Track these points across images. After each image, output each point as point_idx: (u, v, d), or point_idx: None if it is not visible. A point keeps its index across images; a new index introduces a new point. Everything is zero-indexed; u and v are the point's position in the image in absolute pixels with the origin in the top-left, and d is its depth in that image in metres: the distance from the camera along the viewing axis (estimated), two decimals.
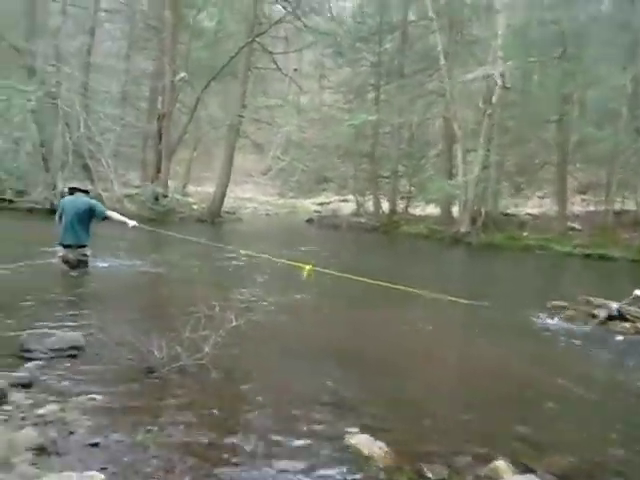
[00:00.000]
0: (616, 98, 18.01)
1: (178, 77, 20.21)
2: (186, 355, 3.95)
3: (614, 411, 4.05)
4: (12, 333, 4.34)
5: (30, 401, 3.12)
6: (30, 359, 3.95)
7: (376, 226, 23.37)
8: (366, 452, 2.88)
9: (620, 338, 6.25)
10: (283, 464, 2.74)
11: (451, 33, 20.26)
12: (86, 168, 19.83)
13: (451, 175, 22.54)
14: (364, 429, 3.16)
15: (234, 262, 10.06)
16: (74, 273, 7.38)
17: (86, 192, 8.20)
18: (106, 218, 7.83)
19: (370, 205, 26.22)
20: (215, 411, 3.32)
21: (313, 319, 6.20)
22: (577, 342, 6.01)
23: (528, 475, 2.69)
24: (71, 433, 2.75)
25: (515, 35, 17.64)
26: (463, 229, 20.20)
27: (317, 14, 22.35)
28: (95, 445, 2.69)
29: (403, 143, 25.08)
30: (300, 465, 2.74)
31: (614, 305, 6.82)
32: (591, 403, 4.13)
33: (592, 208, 21.72)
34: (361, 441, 2.98)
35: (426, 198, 22.05)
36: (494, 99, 18.45)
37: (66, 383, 3.54)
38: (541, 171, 22.97)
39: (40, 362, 3.84)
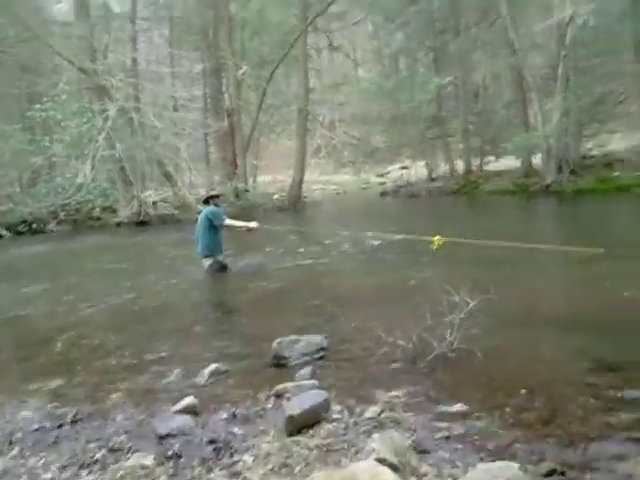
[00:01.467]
0: None
1: (241, 72, 20.35)
2: (436, 343, 4.08)
3: None
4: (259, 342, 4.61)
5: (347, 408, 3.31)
6: (285, 366, 4.18)
7: (455, 188, 23.07)
8: None
9: None
10: (616, 429, 2.81)
11: None
12: (167, 176, 20.40)
13: (527, 125, 21.91)
14: None
15: (360, 245, 10.20)
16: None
17: (216, 197, 8.48)
18: (223, 226, 8.04)
19: (442, 168, 25.86)
20: (504, 390, 3.42)
21: (511, 290, 6.07)
22: None
23: None
24: (446, 438, 2.90)
25: None
26: (549, 179, 19.67)
27: None
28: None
29: (470, 100, 24.47)
30: (634, 431, 2.80)
31: None
32: None
33: None
34: None
35: (505, 152, 21.49)
36: (567, 40, 17.70)
37: (348, 382, 3.73)
38: (624, 105, 21.95)
39: (308, 366, 4.04)
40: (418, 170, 27.25)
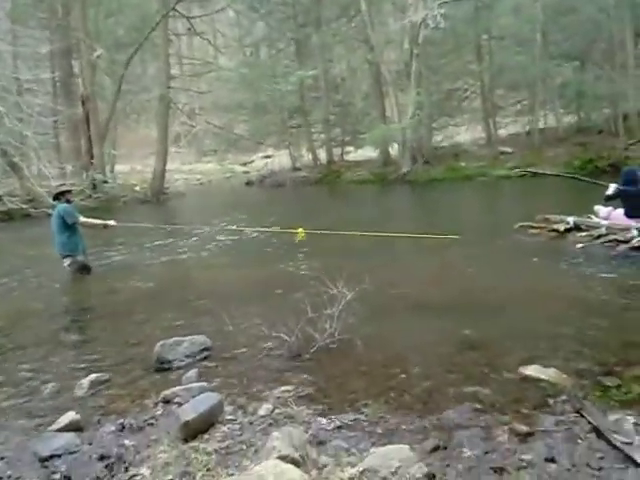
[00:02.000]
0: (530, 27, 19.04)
1: (96, 54, 19.06)
2: (318, 335, 4.25)
3: None
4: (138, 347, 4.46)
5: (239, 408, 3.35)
6: (169, 369, 4.10)
7: (318, 177, 23.75)
8: (547, 377, 3.40)
9: (580, 245, 7.27)
10: (484, 403, 3.17)
11: None
12: (13, 166, 18.55)
13: (384, 118, 23.12)
14: (525, 362, 3.65)
15: (225, 238, 10.19)
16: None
17: (67, 192, 7.90)
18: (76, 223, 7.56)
19: (305, 158, 26.44)
20: (385, 377, 3.68)
21: (383, 278, 6.39)
22: (552, 255, 6.98)
23: None
24: (339, 427, 3.05)
25: None
26: (405, 168, 21.02)
27: None
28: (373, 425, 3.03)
29: (331, 91, 25.20)
30: (499, 402, 3.19)
31: (570, 219, 7.85)
32: None
33: (518, 130, 23.14)
34: (536, 370, 3.49)
35: (365, 143, 22.53)
36: (420, 39, 18.95)
37: (237, 381, 3.76)
38: (468, 101, 24.01)
39: (194, 368, 3.99)
40: (282, 159, 27.57)
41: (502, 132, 23.52)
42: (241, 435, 2.99)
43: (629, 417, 2.87)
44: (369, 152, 24.81)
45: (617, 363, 3.60)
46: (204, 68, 24.11)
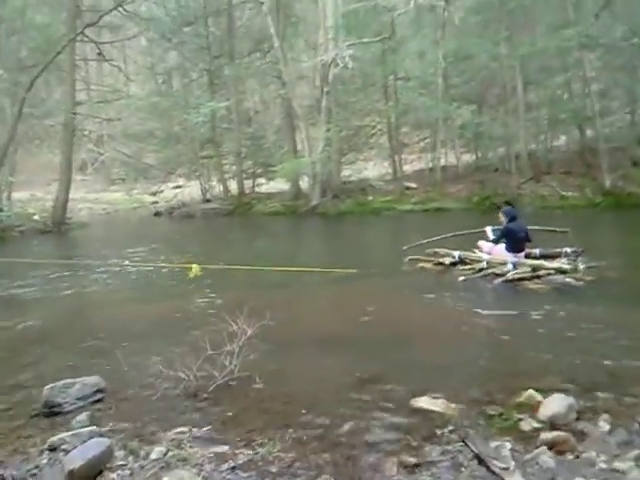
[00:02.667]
0: (433, 71, 20.27)
1: None
2: (217, 373, 4.21)
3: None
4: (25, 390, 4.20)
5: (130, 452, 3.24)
6: (59, 413, 3.89)
7: (230, 209, 23.59)
8: (437, 408, 3.57)
9: (462, 278, 7.77)
10: (377, 436, 3.28)
11: (279, 15, 20.85)
12: None
13: (296, 151, 23.52)
14: (416, 394, 3.80)
15: (126, 272, 9.88)
16: None
17: None
18: None
19: (216, 189, 26.23)
20: (283, 414, 3.71)
21: (284, 313, 6.45)
22: (439, 288, 7.42)
23: (555, 394, 3.55)
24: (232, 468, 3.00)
25: (345, 17, 18.93)
26: (315, 201, 21.40)
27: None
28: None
29: (243, 124, 25.35)
30: (390, 435, 3.31)
31: (455, 253, 8.41)
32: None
33: (422, 166, 24.30)
34: (427, 402, 3.66)
35: (277, 175, 22.75)
36: (330, 77, 19.61)
37: (130, 424, 3.63)
38: (375, 137, 24.97)
39: (85, 411, 3.82)
40: (192, 190, 27.16)
41: (407, 168, 24.57)
42: None
43: (507, 443, 3.07)
44: (280, 184, 25.05)
45: (500, 392, 3.84)
46: (113, 95, 23.52)
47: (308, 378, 4.45)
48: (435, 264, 8.53)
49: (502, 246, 8.07)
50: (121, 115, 22.88)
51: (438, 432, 3.28)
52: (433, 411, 3.55)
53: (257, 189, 26.24)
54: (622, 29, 15.28)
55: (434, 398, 3.70)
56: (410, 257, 8.88)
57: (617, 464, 2.78)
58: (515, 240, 7.91)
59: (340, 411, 3.69)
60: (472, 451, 3.00)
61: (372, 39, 18.98)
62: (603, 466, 2.79)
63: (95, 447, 3.05)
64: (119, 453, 3.18)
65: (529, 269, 7.45)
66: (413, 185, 22.62)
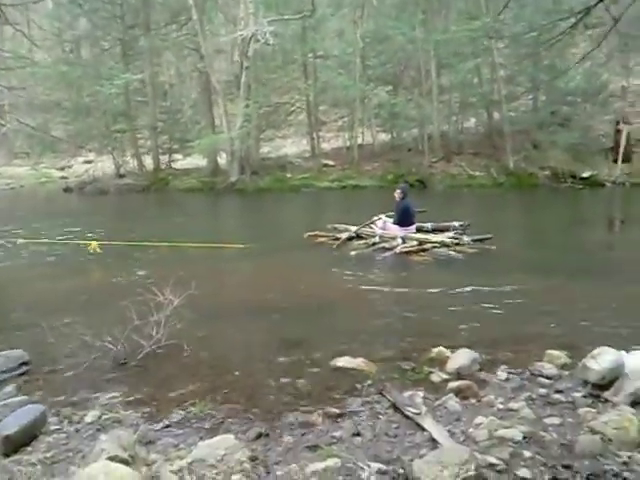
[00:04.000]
0: (351, 51, 20.61)
1: None
2: (145, 341, 4.31)
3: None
4: None
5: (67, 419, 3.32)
6: None
7: (145, 185, 22.94)
8: (356, 366, 3.90)
9: (354, 252, 8.37)
10: (302, 392, 3.56)
11: None
12: None
13: (213, 127, 23.19)
14: (336, 354, 4.12)
15: (37, 249, 9.50)
16: None
17: None
18: None
19: (131, 165, 25.37)
20: (212, 377, 3.90)
21: (207, 284, 6.54)
22: (336, 261, 7.94)
23: (462, 350, 3.98)
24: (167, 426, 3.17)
25: None
26: (233, 178, 21.30)
27: None
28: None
29: (159, 97, 24.58)
30: (315, 391, 3.59)
31: (353, 228, 8.98)
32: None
33: (340, 145, 24.72)
34: (346, 361, 3.98)
35: (193, 151, 22.34)
36: (250, 53, 19.44)
37: (61, 392, 3.69)
38: (294, 115, 25.06)
39: (12, 383, 3.82)
40: (104, 165, 26.08)
41: (325, 146, 24.92)
42: (67, 444, 2.99)
43: (420, 393, 3.45)
44: (197, 160, 24.60)
45: (412, 350, 4.25)
46: (16, 62, 21.96)
47: (234, 344, 4.67)
48: (333, 239, 8.99)
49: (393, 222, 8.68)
50: (25, 84, 21.39)
51: (358, 386, 3.60)
52: (353, 369, 3.88)
53: (173, 165, 25.63)
54: (525, 22, 16.24)
55: (353, 357, 4.03)
56: (308, 233, 9.26)
57: (511, 404, 3.23)
58: (408, 215, 8.57)
59: (266, 372, 3.95)
60: (389, 400, 3.34)
61: (292, 16, 18.99)
62: (500, 407, 3.22)
63: (29, 413, 3.10)
64: (53, 419, 3.25)
65: (416, 243, 8.14)
66: (331, 163, 23.01)
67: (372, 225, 8.91)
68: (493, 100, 20.56)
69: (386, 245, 8.39)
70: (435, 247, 8.05)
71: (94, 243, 8.42)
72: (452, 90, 22.10)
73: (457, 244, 8.06)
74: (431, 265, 7.65)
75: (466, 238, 8.19)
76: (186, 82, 26.45)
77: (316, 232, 9.21)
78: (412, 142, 22.48)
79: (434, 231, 8.67)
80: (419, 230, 8.66)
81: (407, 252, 8.07)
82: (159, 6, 23.13)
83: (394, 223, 8.65)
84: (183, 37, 23.19)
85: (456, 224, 8.58)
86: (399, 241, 8.26)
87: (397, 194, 8.67)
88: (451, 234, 8.36)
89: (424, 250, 8.06)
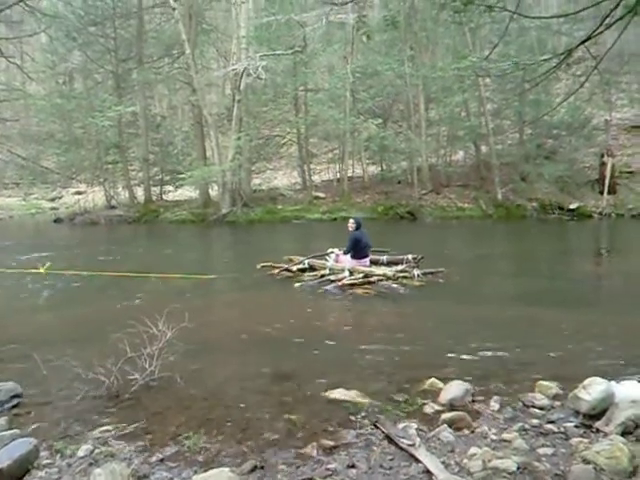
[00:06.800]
0: (342, 85, 20.97)
1: None
2: (138, 374, 4.30)
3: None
4: None
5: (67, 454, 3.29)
6: None
7: (136, 217, 22.95)
8: (350, 398, 3.91)
9: (298, 284, 8.46)
10: (296, 424, 3.54)
11: (191, 22, 20.72)
12: None
13: (205, 159, 23.37)
14: (329, 386, 4.13)
15: (31, 280, 9.47)
16: None
17: None
18: None
19: (122, 196, 25.42)
20: (205, 409, 3.89)
21: (200, 317, 6.59)
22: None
23: (454, 381, 4.00)
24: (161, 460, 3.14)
25: (257, 29, 19.21)
26: (225, 209, 21.38)
27: None
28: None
29: (151, 129, 24.79)
30: (309, 423, 3.59)
31: (306, 260, 9.06)
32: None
33: (330, 177, 24.98)
34: (340, 393, 3.99)
35: (185, 183, 22.43)
36: (242, 86, 19.76)
37: (53, 426, 3.66)
38: (285, 147, 25.35)
39: (3, 417, 3.78)
40: (96, 196, 26.11)
41: (316, 178, 25.14)
42: (59, 478, 2.98)
43: (413, 424, 3.46)
44: (189, 192, 24.73)
45: (405, 382, 4.26)
46: (10, 94, 22.13)
47: (227, 377, 4.64)
48: (284, 270, 9.07)
49: (348, 255, 8.77)
50: (19, 116, 21.51)
51: (352, 418, 3.61)
52: (347, 401, 3.89)
53: (165, 196, 25.73)
54: (510, 60, 16.70)
55: (347, 389, 4.04)
56: (262, 264, 9.29)
57: (505, 435, 3.25)
58: (360, 247, 8.69)
59: (260, 404, 3.94)
60: (383, 432, 3.35)
61: (284, 51, 19.40)
62: (494, 437, 3.24)
63: (21, 447, 3.08)
64: (45, 453, 3.23)
65: (361, 275, 8.24)
66: (322, 195, 23.19)
67: (326, 257, 9.00)
68: (481, 133, 20.95)
69: (332, 277, 8.49)
70: (381, 280, 8.16)
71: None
72: (440, 123, 22.52)
73: (405, 277, 8.25)
74: (415, 295, 7.73)
75: (416, 271, 8.39)
76: (178, 115, 26.76)
77: (270, 263, 9.27)
78: (402, 174, 22.75)
79: (389, 264, 8.86)
80: (374, 263, 8.85)
81: (351, 284, 8.15)
82: (152, 40, 23.52)
83: (344, 253, 8.77)
84: (176, 70, 23.53)
85: (409, 257, 8.77)
86: (346, 273, 8.37)
87: (350, 225, 8.84)
88: (401, 267, 8.54)
89: (370, 283, 8.16)
